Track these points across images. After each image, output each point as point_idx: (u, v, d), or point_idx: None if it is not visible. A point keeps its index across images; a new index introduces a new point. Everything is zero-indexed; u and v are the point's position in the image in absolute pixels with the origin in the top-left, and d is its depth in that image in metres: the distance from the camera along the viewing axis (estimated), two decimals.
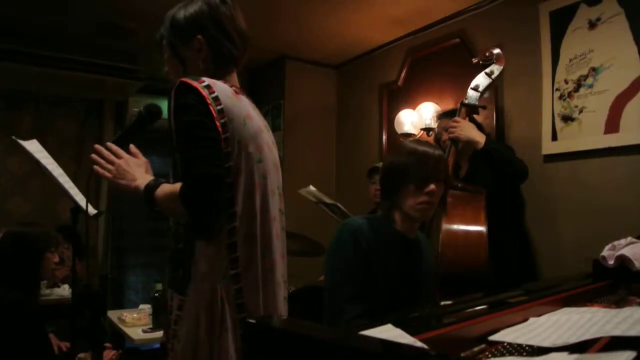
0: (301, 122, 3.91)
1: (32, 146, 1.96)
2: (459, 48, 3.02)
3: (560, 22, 2.46)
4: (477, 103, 2.25)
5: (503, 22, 2.77)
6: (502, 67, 2.26)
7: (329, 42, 3.60)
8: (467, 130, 2.19)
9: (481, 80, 2.26)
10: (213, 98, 1.11)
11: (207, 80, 1.13)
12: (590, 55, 2.34)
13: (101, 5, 3.00)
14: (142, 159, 1.28)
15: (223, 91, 1.14)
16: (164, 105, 1.27)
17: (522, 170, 2.20)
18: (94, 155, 1.24)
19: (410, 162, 1.42)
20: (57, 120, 3.87)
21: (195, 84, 1.11)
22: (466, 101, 2.26)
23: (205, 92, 1.10)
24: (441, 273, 1.89)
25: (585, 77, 2.36)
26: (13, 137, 1.98)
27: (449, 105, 3.06)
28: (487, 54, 2.28)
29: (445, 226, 1.97)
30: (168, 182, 1.20)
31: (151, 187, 1.17)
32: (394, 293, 1.42)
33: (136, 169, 1.24)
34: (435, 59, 3.21)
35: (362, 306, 1.36)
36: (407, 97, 3.39)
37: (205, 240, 1.14)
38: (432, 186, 1.41)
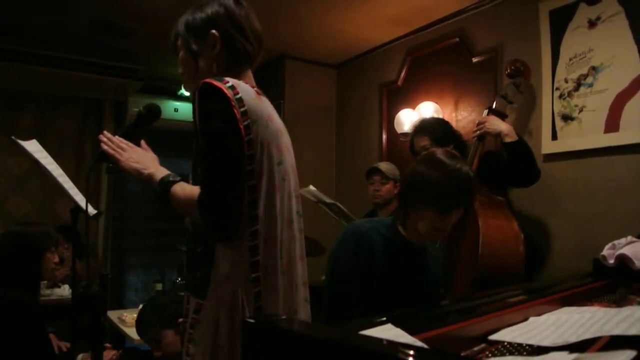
0: (301, 121, 3.91)
1: (32, 146, 1.96)
2: (458, 47, 3.01)
3: (560, 21, 2.45)
4: (503, 111, 2.31)
5: (503, 21, 2.76)
6: (528, 80, 2.36)
7: (328, 42, 3.60)
8: (495, 123, 2.22)
9: (509, 90, 2.33)
10: (237, 99, 1.09)
11: (231, 81, 1.12)
12: (590, 54, 2.34)
13: (101, 4, 3.00)
14: (154, 155, 1.29)
15: (246, 92, 1.13)
16: (163, 105, 1.27)
17: (539, 171, 2.21)
18: (102, 137, 1.25)
19: (437, 183, 1.35)
20: (57, 119, 3.88)
21: (219, 84, 1.09)
22: (494, 107, 2.30)
23: (230, 93, 1.09)
24: (480, 275, 1.90)
25: (585, 76, 2.35)
26: (13, 138, 1.98)
27: (449, 104, 3.06)
28: (517, 65, 2.36)
29: (485, 229, 1.97)
30: (186, 181, 1.20)
31: (167, 183, 1.17)
32: (396, 300, 1.41)
33: (152, 161, 1.25)
34: (435, 58, 3.21)
35: (361, 310, 1.36)
36: (407, 96, 3.39)
37: (226, 243, 1.13)
38: (453, 216, 1.38)
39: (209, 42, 1.20)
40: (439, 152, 1.45)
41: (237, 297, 1.10)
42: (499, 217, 2.07)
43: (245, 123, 1.09)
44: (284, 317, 1.17)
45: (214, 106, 1.09)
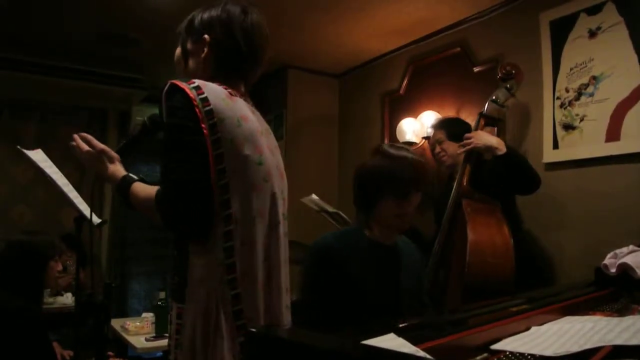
0: (303, 131, 3.93)
1: (37, 156, 1.97)
2: (459, 57, 3.04)
3: (561, 32, 2.47)
4: (495, 116, 2.30)
5: (504, 32, 2.79)
6: (520, 83, 2.34)
7: (331, 52, 3.63)
8: (484, 138, 2.18)
9: (501, 94, 2.32)
10: (201, 99, 1.09)
11: (198, 82, 1.12)
12: (590, 64, 2.36)
13: (104, 15, 3.04)
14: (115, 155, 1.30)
15: (214, 92, 1.13)
16: None
17: (538, 177, 2.18)
18: (75, 136, 1.27)
19: (387, 171, 1.39)
20: (62, 129, 3.92)
21: (183, 85, 1.10)
22: (485, 112, 2.29)
23: (192, 94, 1.09)
24: (469, 283, 1.90)
25: (586, 85, 2.37)
26: (18, 147, 1.99)
27: (450, 113, 3.08)
28: (508, 69, 2.35)
29: (472, 237, 1.96)
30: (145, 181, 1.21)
31: (127, 182, 1.18)
32: (373, 301, 1.41)
33: (116, 166, 1.25)
34: (437, 68, 3.23)
35: (342, 319, 1.35)
36: (409, 105, 3.41)
37: (198, 245, 1.11)
38: (412, 199, 1.40)
39: (200, 44, 1.22)
40: (385, 145, 1.50)
41: (212, 300, 1.08)
42: (489, 225, 2.04)
43: (211, 122, 1.08)
44: (286, 325, 1.17)
45: (176, 104, 1.09)
